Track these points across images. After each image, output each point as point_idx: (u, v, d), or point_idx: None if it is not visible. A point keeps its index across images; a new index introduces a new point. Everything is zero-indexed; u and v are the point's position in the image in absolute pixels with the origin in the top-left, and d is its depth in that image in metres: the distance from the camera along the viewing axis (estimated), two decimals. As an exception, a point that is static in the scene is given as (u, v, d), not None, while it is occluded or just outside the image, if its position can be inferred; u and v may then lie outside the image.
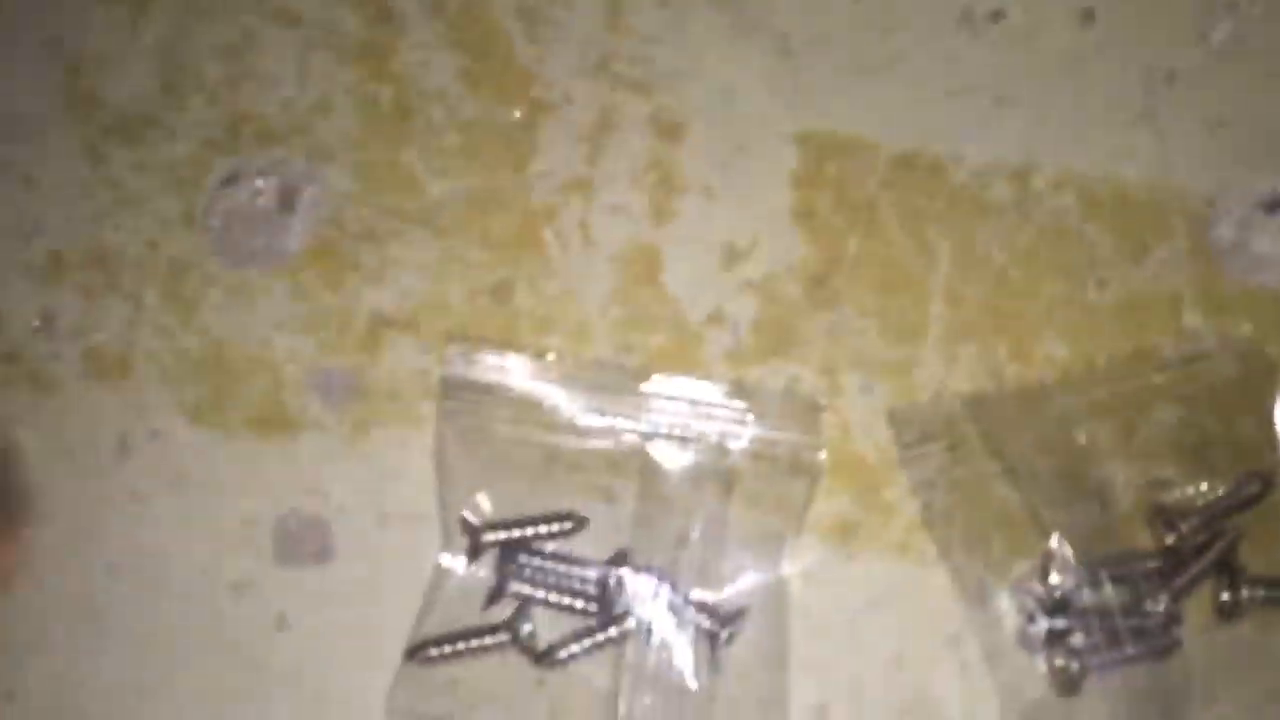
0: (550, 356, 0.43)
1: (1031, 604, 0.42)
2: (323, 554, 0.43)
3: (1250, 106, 0.46)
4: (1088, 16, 0.46)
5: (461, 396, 0.43)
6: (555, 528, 0.42)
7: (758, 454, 0.43)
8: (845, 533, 0.43)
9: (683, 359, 0.44)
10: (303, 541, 0.43)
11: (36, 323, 0.45)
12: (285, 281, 0.46)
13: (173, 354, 0.45)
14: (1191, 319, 0.45)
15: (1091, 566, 0.41)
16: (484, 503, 0.42)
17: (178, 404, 0.44)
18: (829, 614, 0.42)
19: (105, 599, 0.43)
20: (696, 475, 0.43)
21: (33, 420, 0.44)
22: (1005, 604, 0.42)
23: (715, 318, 0.45)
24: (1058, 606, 0.41)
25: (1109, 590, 0.41)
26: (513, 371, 0.43)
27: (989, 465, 0.43)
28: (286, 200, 0.46)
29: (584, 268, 0.46)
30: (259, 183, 0.46)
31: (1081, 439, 0.43)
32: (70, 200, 0.46)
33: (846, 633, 0.42)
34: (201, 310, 0.45)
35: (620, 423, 0.43)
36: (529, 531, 0.42)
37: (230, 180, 0.46)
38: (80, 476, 0.44)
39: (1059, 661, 0.41)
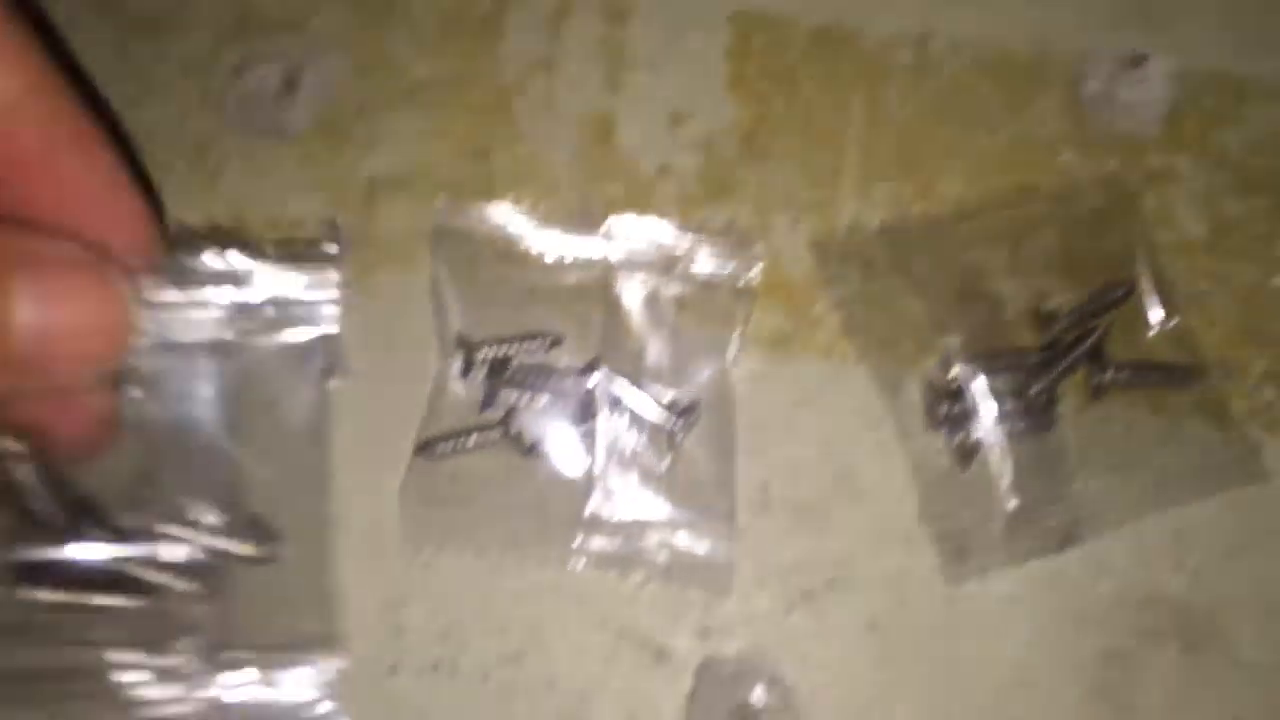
0: (524, 204, 0.51)
1: (935, 392, 0.50)
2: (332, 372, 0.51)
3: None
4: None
5: (451, 242, 0.50)
6: (536, 344, 0.50)
7: (704, 280, 0.51)
8: (779, 342, 0.51)
9: (637, 205, 0.52)
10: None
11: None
12: (294, 152, 0.53)
13: (202, 216, 0.52)
14: (1067, 158, 0.53)
15: (983, 360, 0.49)
16: (475, 328, 0.50)
17: None
18: (767, 409, 0.50)
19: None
20: (652, 298, 0.50)
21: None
22: (914, 394, 0.50)
23: (663, 170, 0.53)
24: (956, 393, 0.49)
25: (998, 379, 0.49)
26: (493, 219, 0.51)
27: (898, 283, 0.51)
28: (290, 83, 0.53)
29: (550, 132, 0.53)
30: (266, 68, 0.53)
31: (975, 260, 0.51)
32: (105, 88, 0.53)
33: (782, 424, 0.50)
34: (224, 178, 0.52)
35: (586, 258, 0.50)
36: (514, 348, 0.50)
37: (241, 67, 0.53)
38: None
39: (957, 439, 0.49)
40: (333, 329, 0.41)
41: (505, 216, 0.50)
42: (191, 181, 0.52)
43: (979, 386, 0.48)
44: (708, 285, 0.50)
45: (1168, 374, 0.49)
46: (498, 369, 0.49)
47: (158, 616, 0.38)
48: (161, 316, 0.37)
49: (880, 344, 0.50)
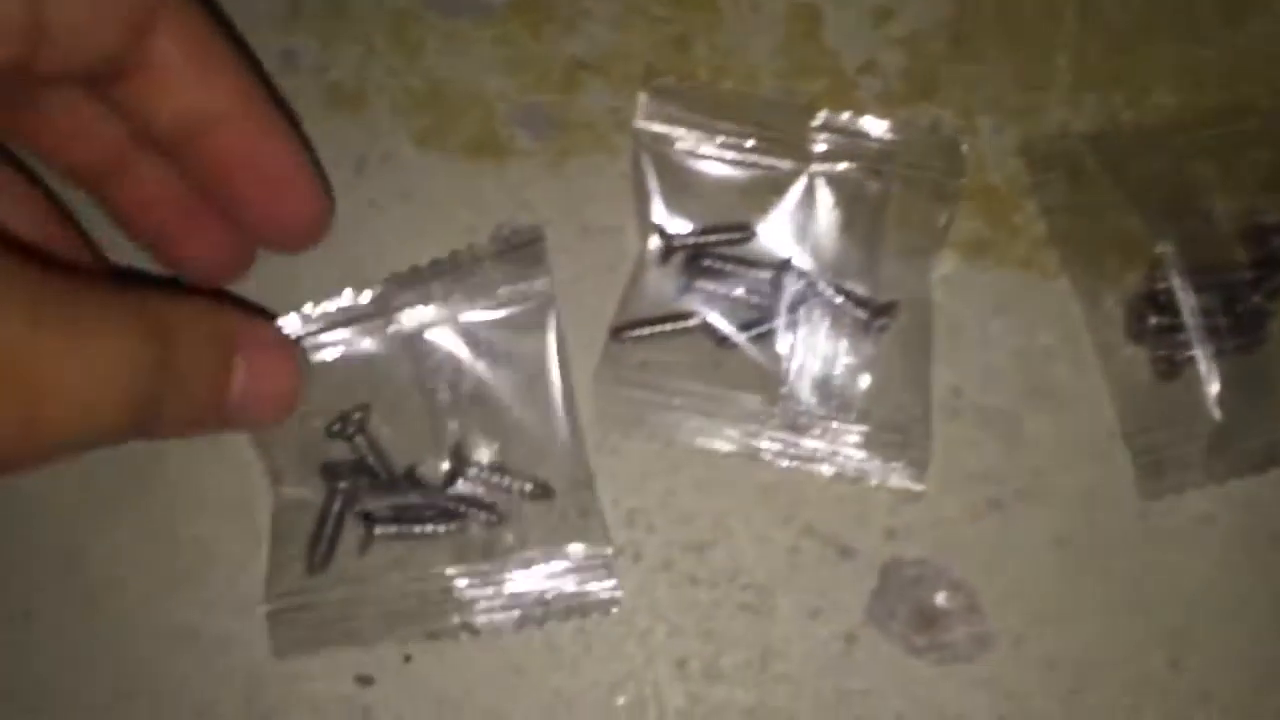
0: (727, 93, 0.50)
1: (1141, 305, 0.49)
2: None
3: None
4: None
5: (653, 129, 0.50)
6: (734, 235, 0.49)
7: (906, 179, 0.50)
8: (979, 248, 0.50)
9: (840, 102, 0.51)
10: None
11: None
12: (492, 31, 0.52)
13: (400, 89, 0.52)
14: (1284, 75, 0.51)
15: (1193, 274, 0.48)
16: (674, 216, 0.50)
17: (405, 131, 0.51)
18: (964, 316, 0.50)
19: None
20: (852, 196, 0.50)
21: (282, 143, 0.51)
22: (1117, 306, 0.49)
23: (867, 67, 0.52)
24: (1163, 307, 0.48)
25: (1208, 293, 0.48)
26: (696, 108, 0.50)
27: (1106, 193, 0.50)
28: None
29: (752, 24, 0.52)
30: (468, -54, 0.53)
31: (1188, 173, 0.50)
32: (307, -42, 0.52)
33: (978, 331, 0.50)
34: (423, 54, 0.52)
35: (787, 152, 0.50)
36: (712, 238, 0.49)
37: (443, -56, 0.53)
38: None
39: (1161, 353, 0.48)
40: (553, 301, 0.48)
41: (708, 106, 0.50)
42: (390, 57, 0.52)
43: (1187, 300, 0.47)
44: (909, 186, 0.49)
45: None
46: (695, 258, 0.49)
47: (470, 538, 0.48)
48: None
49: (1084, 254, 0.49)
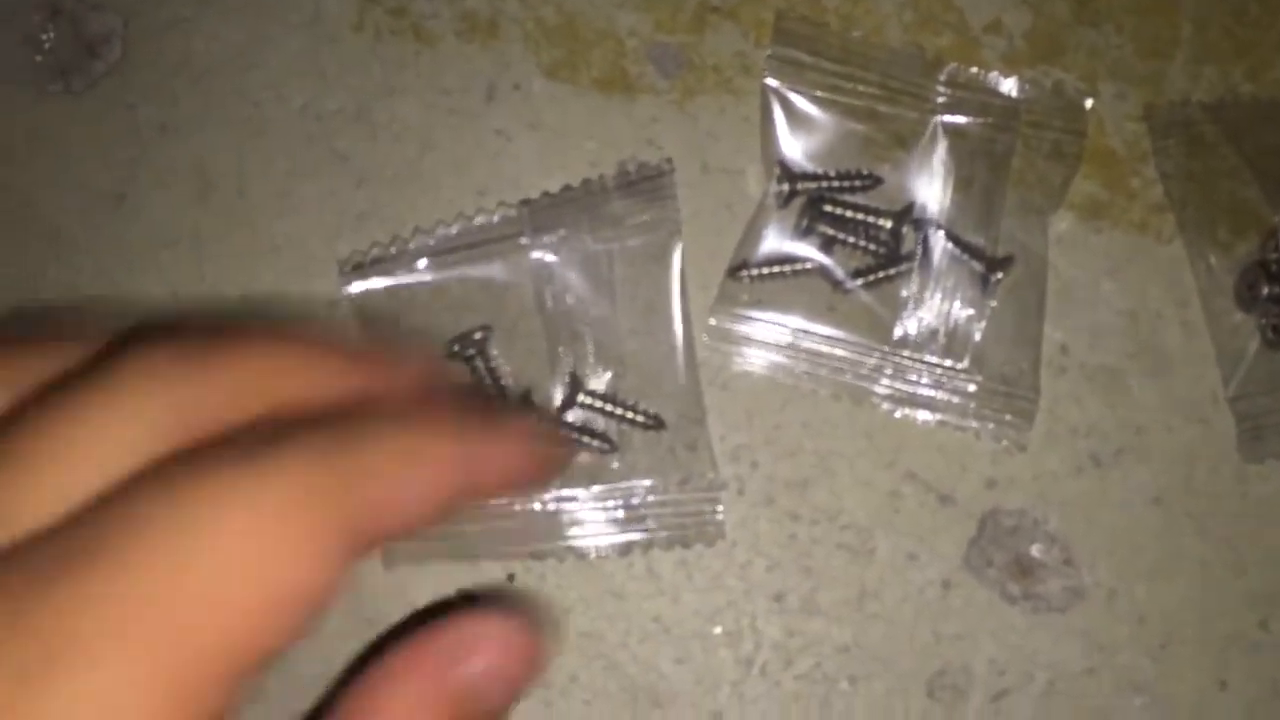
0: (857, 40, 0.51)
1: (1255, 272, 0.49)
2: None
3: None
4: None
5: (783, 73, 0.51)
6: (856, 182, 0.50)
7: (1028, 138, 0.50)
8: (1095, 210, 0.51)
9: (965, 58, 0.52)
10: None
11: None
12: (626, -31, 0.53)
13: (533, 20, 0.53)
14: (1407, 57, 0.52)
15: (1308, 245, 0.49)
16: (799, 159, 0.51)
17: (536, 62, 0.52)
18: (1076, 275, 0.51)
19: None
20: (974, 151, 0.50)
21: (415, 67, 0.52)
22: (1228, 273, 0.50)
23: (993, 26, 0.52)
24: (1276, 275, 0.49)
25: (1321, 266, 0.49)
26: (827, 55, 0.51)
27: (1224, 161, 0.50)
28: None
29: (882, -23, 0.53)
30: (605, -116, 0.53)
31: (1303, 148, 0.51)
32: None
33: (1089, 291, 0.51)
34: (556, -12, 0.53)
35: (912, 105, 0.51)
36: (834, 183, 0.50)
37: (580, -120, 0.54)
38: (456, 114, 0.52)
39: (1272, 320, 0.49)
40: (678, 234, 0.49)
41: (837, 53, 0.50)
42: (526, -12, 0.52)
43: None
44: (1031, 144, 0.50)
45: None
46: (817, 202, 0.50)
47: (579, 463, 0.49)
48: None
49: (1199, 221, 0.50)
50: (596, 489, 0.48)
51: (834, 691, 0.48)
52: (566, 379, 0.49)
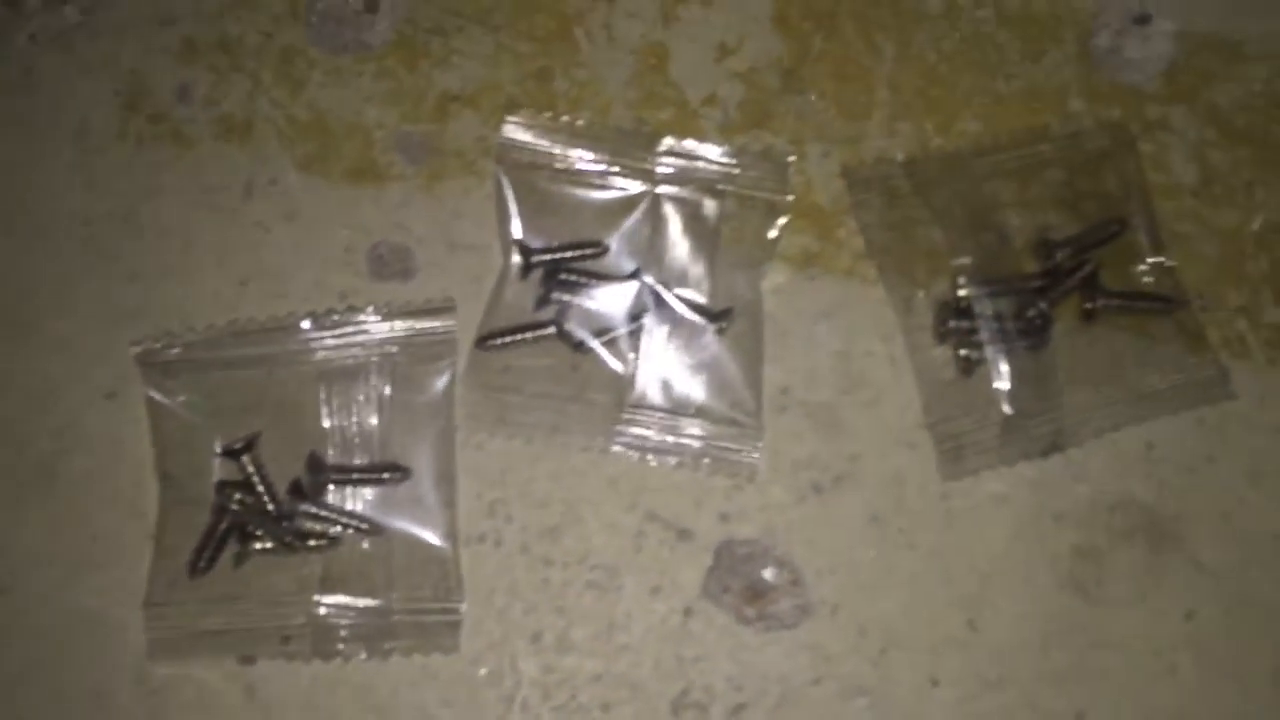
0: (581, 123, 0.56)
1: (945, 310, 0.55)
2: (407, 273, 0.56)
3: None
4: None
5: (514, 156, 0.56)
6: (586, 251, 0.55)
7: (741, 199, 0.56)
8: (807, 260, 0.57)
9: (684, 130, 0.57)
10: (390, 263, 0.56)
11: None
12: (372, 66, 0.58)
13: (285, 118, 0.57)
14: (1075, 105, 0.58)
15: (989, 282, 0.55)
16: (533, 235, 0.55)
17: (290, 158, 0.57)
18: (791, 320, 0.56)
19: (241, 307, 0.55)
20: (693, 214, 0.56)
21: (176, 169, 0.57)
22: (925, 311, 0.56)
23: (709, 100, 0.58)
24: (963, 311, 0.55)
25: (1001, 300, 0.55)
26: (553, 136, 0.56)
27: (915, 211, 0.56)
28: (371, 3, 0.58)
29: (607, 59, 0.58)
30: (348, -12, 0.58)
31: (987, 192, 0.57)
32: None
33: (805, 334, 0.56)
34: (307, 87, 0.57)
35: (636, 176, 0.56)
36: (567, 254, 0.55)
37: (325, -15, 0.58)
38: (216, 211, 0.56)
39: (962, 352, 0.55)
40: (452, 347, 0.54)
41: (564, 135, 0.55)
42: (276, 90, 0.57)
43: (984, 306, 0.54)
44: (745, 205, 0.56)
45: (1152, 303, 0.55)
46: (552, 272, 0.55)
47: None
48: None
49: (897, 265, 0.56)
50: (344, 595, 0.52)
51: (589, 719, 0.53)
52: (308, 463, 0.53)
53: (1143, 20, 0.58)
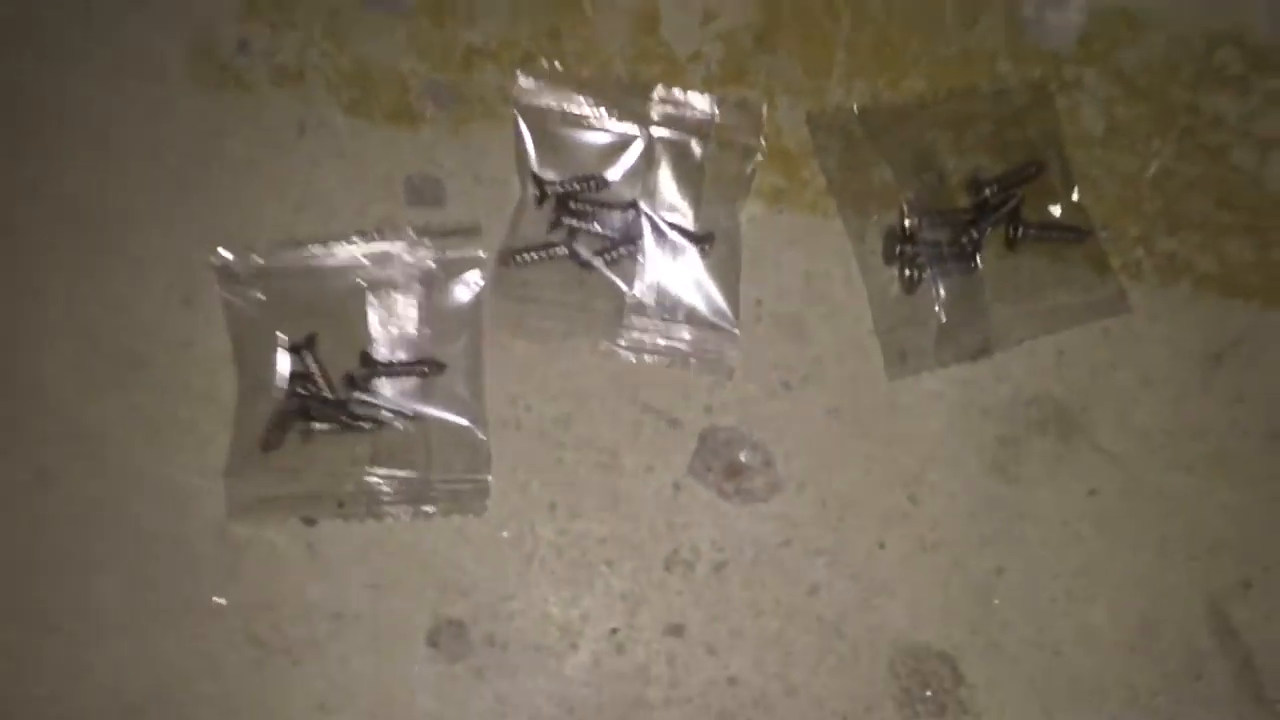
0: (585, 75, 0.66)
1: (892, 237, 0.66)
2: (438, 201, 0.66)
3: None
4: None
5: (530, 102, 0.66)
6: (591, 184, 0.66)
7: (721, 142, 0.66)
8: (776, 196, 0.67)
9: (673, 82, 0.67)
10: (424, 193, 0.66)
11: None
12: (406, 24, 0.67)
13: (333, 69, 0.67)
14: (1003, 66, 0.69)
15: (929, 214, 0.66)
16: (546, 169, 0.66)
17: (337, 103, 0.66)
18: (764, 246, 0.67)
19: (297, 229, 0.65)
20: (681, 154, 0.66)
21: (238, 110, 0.66)
22: (876, 239, 0.67)
23: (694, 56, 0.68)
24: (908, 239, 0.66)
25: (939, 229, 0.66)
26: (562, 87, 0.66)
27: (870, 154, 0.67)
28: None
29: (608, 21, 0.68)
30: (385, -44, 0.68)
31: (929, 139, 0.67)
32: (256, -37, 0.67)
33: (774, 258, 0.67)
34: (351, 41, 0.67)
35: (631, 119, 0.66)
36: (575, 186, 0.65)
37: (365, -47, 0.68)
38: (274, 148, 0.66)
39: (906, 272, 0.66)
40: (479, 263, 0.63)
41: (571, 85, 0.65)
42: (324, 43, 0.66)
43: (924, 234, 0.65)
44: (724, 147, 0.66)
45: (1064, 233, 0.66)
46: (562, 202, 0.65)
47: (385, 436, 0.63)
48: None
49: (853, 201, 0.66)
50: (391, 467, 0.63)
51: (595, 572, 0.63)
52: (361, 357, 0.63)
53: None
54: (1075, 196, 0.66)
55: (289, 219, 0.64)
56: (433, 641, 0.63)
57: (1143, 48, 0.68)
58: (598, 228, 0.65)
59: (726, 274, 0.65)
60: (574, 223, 0.65)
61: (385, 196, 0.65)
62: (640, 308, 0.64)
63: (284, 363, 0.62)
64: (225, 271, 0.62)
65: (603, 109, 0.65)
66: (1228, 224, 0.67)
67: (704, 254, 0.65)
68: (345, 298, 0.63)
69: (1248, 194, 0.67)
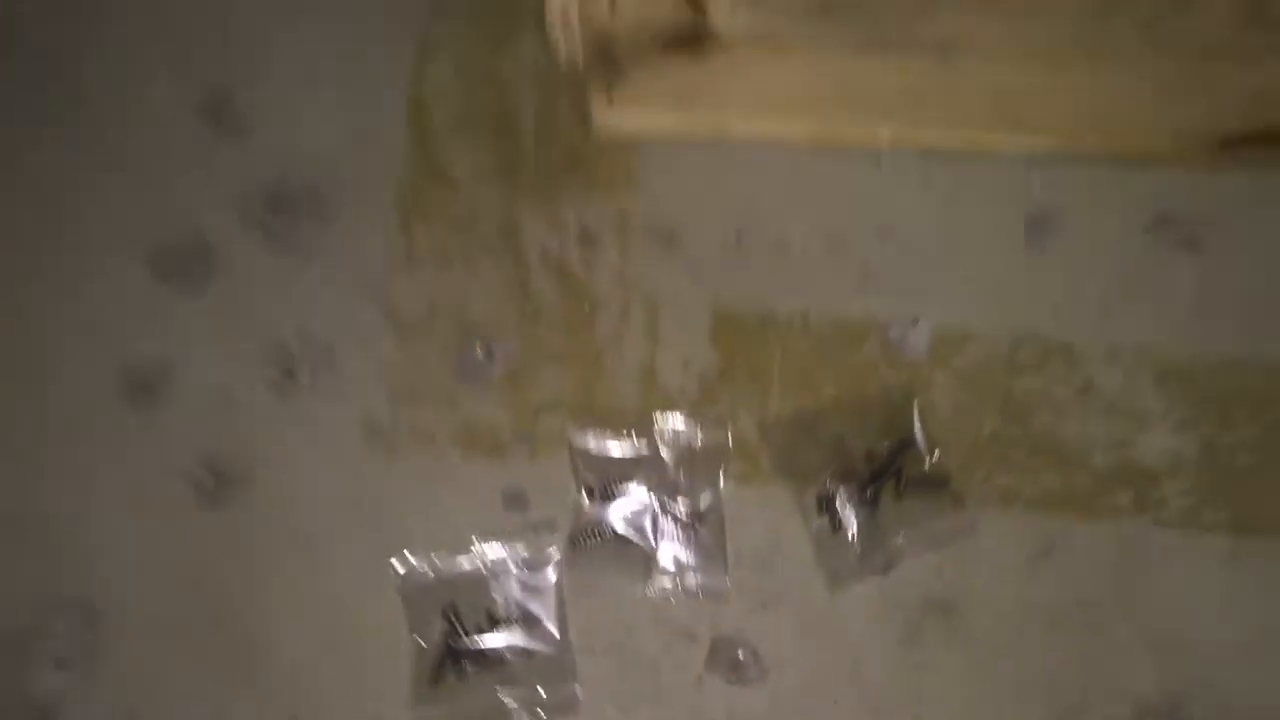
0: (609, 418, 1.04)
1: (821, 497, 1.02)
2: (524, 506, 1.03)
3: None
4: None
5: (577, 439, 1.03)
6: (618, 482, 1.03)
7: (704, 445, 1.03)
8: (744, 479, 1.03)
9: (667, 409, 1.04)
10: (516, 500, 1.03)
11: None
12: (494, 391, 1.05)
13: (450, 425, 1.05)
14: (883, 373, 1.06)
15: (844, 479, 1.02)
16: (590, 474, 1.03)
17: (455, 445, 1.04)
18: (738, 514, 1.02)
19: (438, 536, 1.02)
20: (679, 455, 1.03)
21: (396, 463, 1.04)
22: (812, 500, 1.03)
23: (680, 389, 1.05)
24: (831, 497, 1.02)
25: (851, 487, 1.02)
26: (597, 424, 1.03)
27: (801, 443, 1.04)
28: (489, 353, 1.06)
29: (622, 377, 1.06)
30: (475, 346, 1.06)
31: (840, 429, 1.04)
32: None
33: (747, 522, 1.03)
34: (460, 405, 1.05)
35: (644, 437, 1.03)
36: (611, 486, 1.03)
37: (462, 347, 1.06)
38: (416, 483, 1.03)
39: (832, 519, 1.02)
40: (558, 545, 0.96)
41: (603, 422, 1.03)
42: (444, 412, 1.04)
43: (841, 493, 1.01)
44: (706, 448, 1.03)
45: (931, 485, 1.02)
46: (604, 495, 1.02)
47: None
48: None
49: (793, 476, 1.03)
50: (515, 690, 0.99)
51: (651, 742, 0.99)
52: (487, 617, 0.99)
53: (915, 321, 1.07)
54: (936, 457, 1.03)
55: (435, 527, 1.01)
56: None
57: (970, 352, 1.05)
58: (627, 512, 1.02)
59: (717, 536, 1.01)
60: (609, 513, 1.02)
61: (489, 506, 1.02)
62: (662, 565, 1.00)
63: (439, 623, 0.98)
64: (405, 573, 0.99)
65: (623, 434, 1.02)
66: (1040, 465, 1.03)
67: (699, 523, 1.01)
68: (474, 578, 1.00)
69: (1051, 442, 1.03)
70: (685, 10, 0.89)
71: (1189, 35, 0.84)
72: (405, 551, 1.00)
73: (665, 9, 0.89)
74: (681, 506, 1.01)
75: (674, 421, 1.02)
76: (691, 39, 0.93)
